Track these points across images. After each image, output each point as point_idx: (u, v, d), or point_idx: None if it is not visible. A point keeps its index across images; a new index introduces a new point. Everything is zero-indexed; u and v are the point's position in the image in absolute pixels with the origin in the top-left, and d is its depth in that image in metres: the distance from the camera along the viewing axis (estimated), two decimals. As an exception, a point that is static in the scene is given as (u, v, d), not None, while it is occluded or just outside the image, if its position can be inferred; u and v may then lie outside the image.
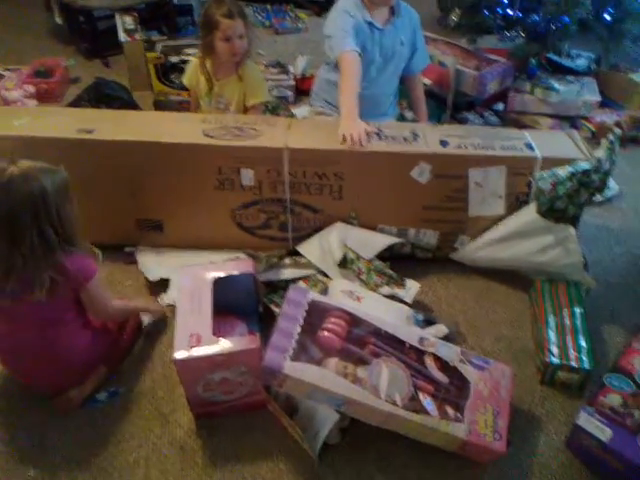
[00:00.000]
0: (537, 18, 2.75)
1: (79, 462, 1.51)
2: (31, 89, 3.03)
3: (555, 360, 1.64)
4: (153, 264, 1.99)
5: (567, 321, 1.75)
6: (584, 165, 1.81)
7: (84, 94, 2.77)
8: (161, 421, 1.60)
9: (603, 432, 1.42)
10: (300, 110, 2.88)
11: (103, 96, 2.71)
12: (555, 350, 1.66)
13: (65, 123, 1.92)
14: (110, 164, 1.89)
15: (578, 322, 1.74)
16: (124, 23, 3.12)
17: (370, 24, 2.24)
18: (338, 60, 2.11)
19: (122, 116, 2.17)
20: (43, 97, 3.06)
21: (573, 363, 1.63)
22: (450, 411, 1.42)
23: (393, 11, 2.28)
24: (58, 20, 3.64)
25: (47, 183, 1.39)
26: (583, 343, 1.68)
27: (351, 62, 2.07)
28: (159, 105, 2.91)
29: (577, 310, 1.78)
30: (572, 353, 1.64)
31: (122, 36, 3.07)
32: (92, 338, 1.61)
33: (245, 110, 2.33)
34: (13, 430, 1.58)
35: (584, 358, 1.63)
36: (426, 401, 1.42)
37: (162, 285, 1.94)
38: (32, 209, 1.38)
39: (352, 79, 2.04)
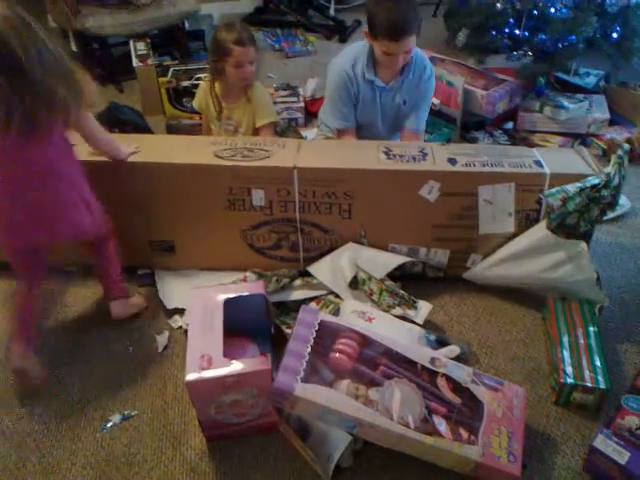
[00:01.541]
0: (544, 37, 2.77)
1: (91, 486, 1.51)
2: (46, 115, 3.06)
3: (570, 380, 1.61)
4: (173, 292, 2.00)
5: (581, 340, 1.72)
6: (593, 180, 1.80)
7: (98, 118, 2.80)
8: (173, 443, 1.60)
9: (621, 455, 1.40)
10: (310, 132, 2.90)
11: (116, 120, 2.75)
12: (570, 370, 1.63)
13: (79, 146, 1.95)
14: (123, 186, 1.91)
15: (592, 341, 1.72)
16: (137, 49, 3.18)
17: (371, 82, 2.26)
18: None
19: (135, 140, 2.20)
20: (58, 122, 3.10)
21: (588, 383, 1.60)
22: (463, 433, 1.40)
23: (403, 70, 2.25)
24: (73, 47, 3.71)
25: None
26: (598, 363, 1.65)
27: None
28: (171, 129, 2.94)
29: (591, 329, 1.76)
30: (587, 373, 1.62)
31: (135, 62, 3.12)
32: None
33: (255, 132, 2.35)
34: (23, 453, 1.58)
35: (599, 378, 1.61)
36: (439, 423, 1.40)
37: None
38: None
39: None
